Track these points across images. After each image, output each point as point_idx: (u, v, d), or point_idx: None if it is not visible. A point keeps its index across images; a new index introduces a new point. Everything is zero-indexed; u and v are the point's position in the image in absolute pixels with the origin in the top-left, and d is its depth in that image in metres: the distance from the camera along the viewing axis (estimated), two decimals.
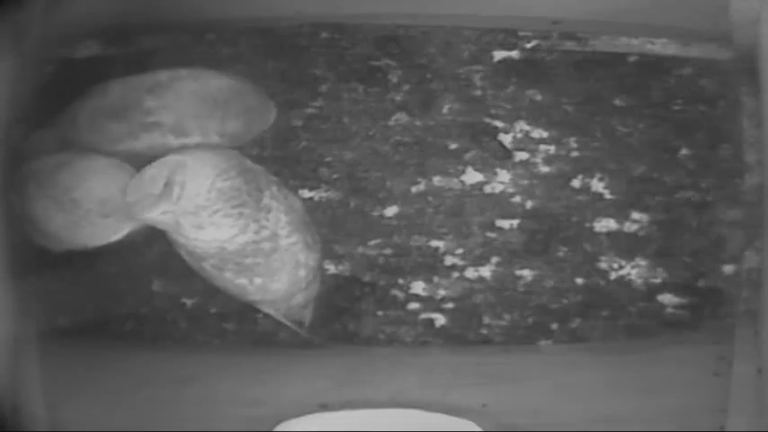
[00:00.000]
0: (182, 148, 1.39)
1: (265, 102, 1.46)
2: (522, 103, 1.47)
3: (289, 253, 1.37)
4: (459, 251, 1.45)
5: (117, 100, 1.43)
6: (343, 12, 1.48)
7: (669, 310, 1.44)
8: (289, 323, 1.42)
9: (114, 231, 1.42)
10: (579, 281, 1.45)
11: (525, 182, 1.46)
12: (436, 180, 1.47)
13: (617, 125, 1.47)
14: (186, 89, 1.42)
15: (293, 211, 1.39)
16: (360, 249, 1.46)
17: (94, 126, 1.43)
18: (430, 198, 1.47)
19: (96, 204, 1.41)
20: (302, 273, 1.39)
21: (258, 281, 1.37)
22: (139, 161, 1.41)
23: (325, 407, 1.39)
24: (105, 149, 1.43)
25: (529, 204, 1.46)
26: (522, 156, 1.47)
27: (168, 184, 1.34)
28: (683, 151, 1.46)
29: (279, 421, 1.38)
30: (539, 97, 1.48)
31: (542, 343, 1.44)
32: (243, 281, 1.37)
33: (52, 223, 1.41)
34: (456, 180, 1.47)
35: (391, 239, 1.46)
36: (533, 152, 1.47)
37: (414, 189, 1.47)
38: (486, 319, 1.45)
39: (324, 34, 1.49)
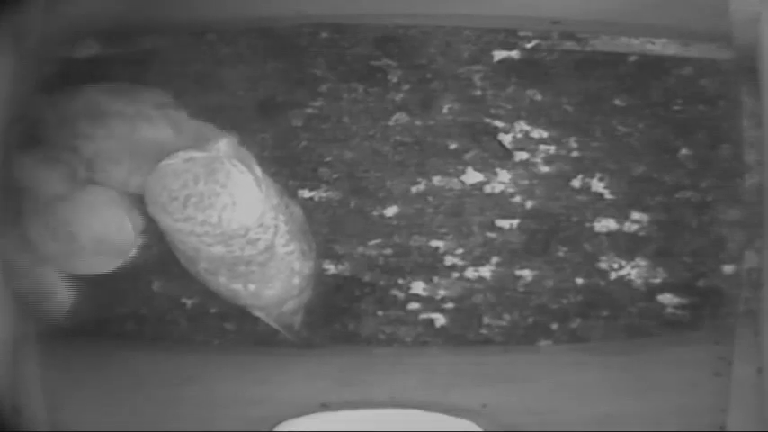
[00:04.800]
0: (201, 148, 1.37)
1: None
2: (522, 103, 1.47)
3: (285, 261, 1.37)
4: (459, 251, 1.45)
5: (74, 109, 1.41)
6: (343, 12, 1.48)
7: (669, 310, 1.44)
8: (279, 327, 1.42)
9: (105, 266, 1.41)
10: (579, 281, 1.45)
11: (525, 182, 1.46)
12: (436, 180, 1.47)
13: (617, 125, 1.47)
14: (118, 128, 1.39)
15: (293, 220, 1.38)
16: (360, 249, 1.46)
17: (49, 126, 1.41)
18: (430, 198, 1.47)
19: (92, 242, 1.39)
20: (296, 281, 1.39)
21: (252, 287, 1.37)
22: None
23: (325, 407, 1.40)
24: (46, 155, 1.41)
25: (529, 204, 1.46)
26: (522, 156, 1.47)
27: (206, 195, 1.32)
28: (683, 151, 1.46)
29: (279, 421, 1.38)
30: (539, 97, 1.48)
31: (542, 343, 1.44)
32: (237, 286, 1.37)
33: (45, 249, 1.40)
34: (456, 180, 1.47)
35: (391, 239, 1.46)
36: (533, 152, 1.47)
37: (414, 189, 1.47)
38: (486, 319, 1.45)
39: (324, 34, 1.49)
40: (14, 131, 1.40)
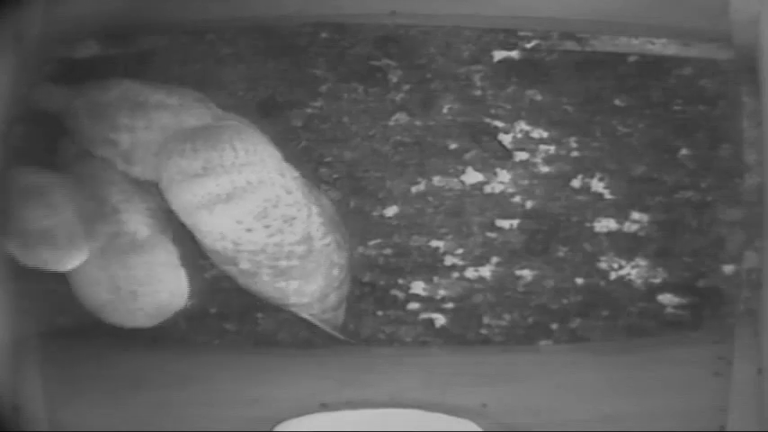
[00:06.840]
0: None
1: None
2: (522, 103, 1.47)
3: (323, 254, 1.37)
4: (459, 251, 1.45)
5: (109, 101, 1.40)
6: (343, 12, 1.48)
7: (669, 310, 1.44)
8: (326, 327, 1.42)
9: (148, 324, 1.39)
10: (579, 281, 1.45)
11: (525, 182, 1.46)
12: (436, 180, 1.47)
13: (617, 125, 1.47)
14: (161, 119, 1.38)
15: (325, 212, 1.38)
16: (360, 249, 1.46)
17: (79, 118, 1.41)
18: (430, 198, 1.47)
19: (153, 308, 1.38)
20: (335, 272, 1.39)
21: (294, 284, 1.37)
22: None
23: (325, 407, 1.40)
24: (82, 145, 1.41)
25: (529, 204, 1.46)
26: (522, 156, 1.47)
27: (209, 134, 1.33)
28: (683, 151, 1.46)
29: (279, 421, 1.38)
30: (539, 97, 1.48)
31: (542, 343, 1.44)
32: (281, 284, 1.36)
33: (95, 296, 1.37)
34: (456, 180, 1.47)
35: (391, 239, 1.46)
36: (533, 152, 1.47)
37: (414, 189, 1.47)
38: (486, 319, 1.45)
39: (324, 34, 1.49)
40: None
